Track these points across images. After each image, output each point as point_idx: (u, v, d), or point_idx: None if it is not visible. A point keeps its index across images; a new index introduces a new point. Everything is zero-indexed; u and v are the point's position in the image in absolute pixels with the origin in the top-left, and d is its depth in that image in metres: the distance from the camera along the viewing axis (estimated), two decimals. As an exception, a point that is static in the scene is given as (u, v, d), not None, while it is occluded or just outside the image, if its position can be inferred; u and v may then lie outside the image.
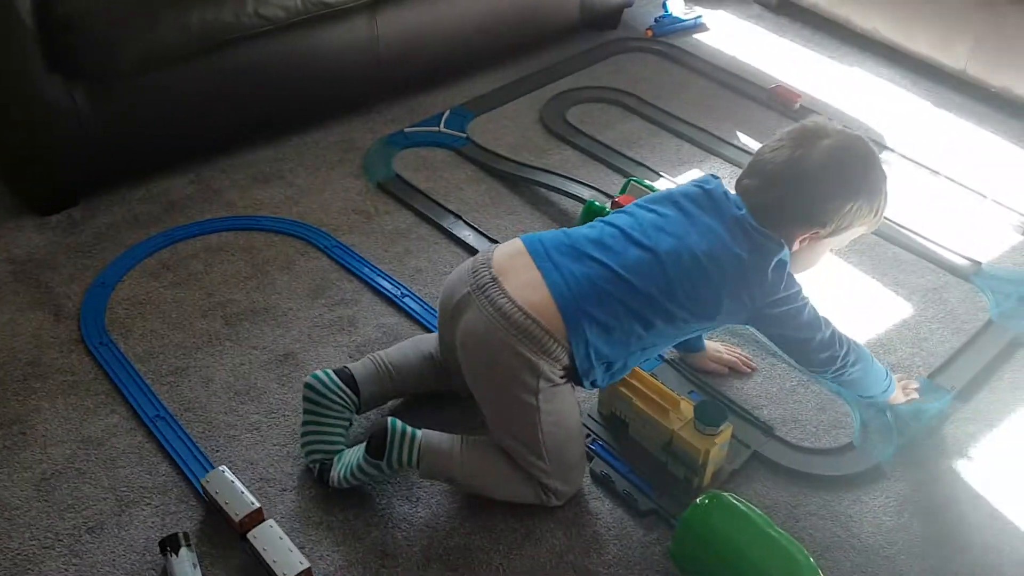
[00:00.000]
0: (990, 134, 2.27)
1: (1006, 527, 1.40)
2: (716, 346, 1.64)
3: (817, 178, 1.29)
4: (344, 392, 1.43)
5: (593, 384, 1.34)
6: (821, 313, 1.37)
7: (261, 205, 1.99)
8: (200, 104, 1.99)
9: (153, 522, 1.37)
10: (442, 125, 2.26)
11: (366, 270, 1.82)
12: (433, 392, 1.53)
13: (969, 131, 2.28)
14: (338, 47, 2.11)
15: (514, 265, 1.31)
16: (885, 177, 1.35)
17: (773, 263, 1.29)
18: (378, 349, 1.64)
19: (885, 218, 1.95)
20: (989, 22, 2.24)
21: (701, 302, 1.29)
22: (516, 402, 1.30)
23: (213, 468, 1.41)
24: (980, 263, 1.87)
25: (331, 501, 1.40)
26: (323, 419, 1.42)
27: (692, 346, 1.62)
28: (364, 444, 1.36)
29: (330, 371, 1.44)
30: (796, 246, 1.34)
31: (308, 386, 1.42)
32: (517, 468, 1.36)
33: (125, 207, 1.97)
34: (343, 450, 1.42)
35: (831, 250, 1.41)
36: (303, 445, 1.43)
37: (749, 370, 1.63)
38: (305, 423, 1.43)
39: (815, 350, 1.36)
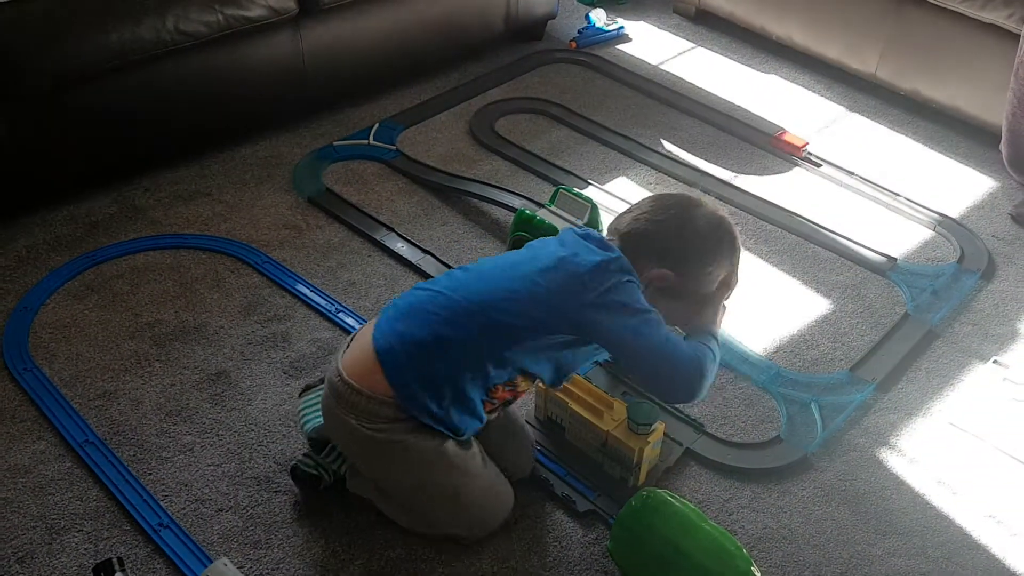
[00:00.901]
0: (901, 135, 2.37)
1: (927, 511, 1.46)
2: None
3: (693, 232, 1.30)
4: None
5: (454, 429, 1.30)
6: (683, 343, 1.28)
7: (188, 223, 1.96)
8: (121, 122, 1.95)
9: (86, 548, 1.34)
10: (371, 138, 2.26)
11: (299, 285, 1.81)
12: None
13: (882, 133, 2.38)
14: (263, 62, 2.10)
15: (355, 354, 1.32)
16: (737, 263, 1.36)
17: (600, 259, 1.24)
18: (313, 364, 1.64)
19: (805, 219, 2.04)
20: (897, 28, 2.35)
21: (524, 321, 1.25)
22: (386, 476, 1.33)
23: (148, 492, 1.39)
24: (896, 259, 1.95)
25: (270, 519, 1.39)
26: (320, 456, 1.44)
27: None
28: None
29: None
30: (643, 283, 1.29)
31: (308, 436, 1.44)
32: (433, 526, 1.38)
33: (46, 229, 1.92)
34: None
35: (669, 324, 1.30)
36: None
37: None
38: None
39: (669, 379, 1.25)
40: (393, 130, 2.30)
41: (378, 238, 1.95)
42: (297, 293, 1.79)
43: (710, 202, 1.36)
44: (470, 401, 1.28)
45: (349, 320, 1.74)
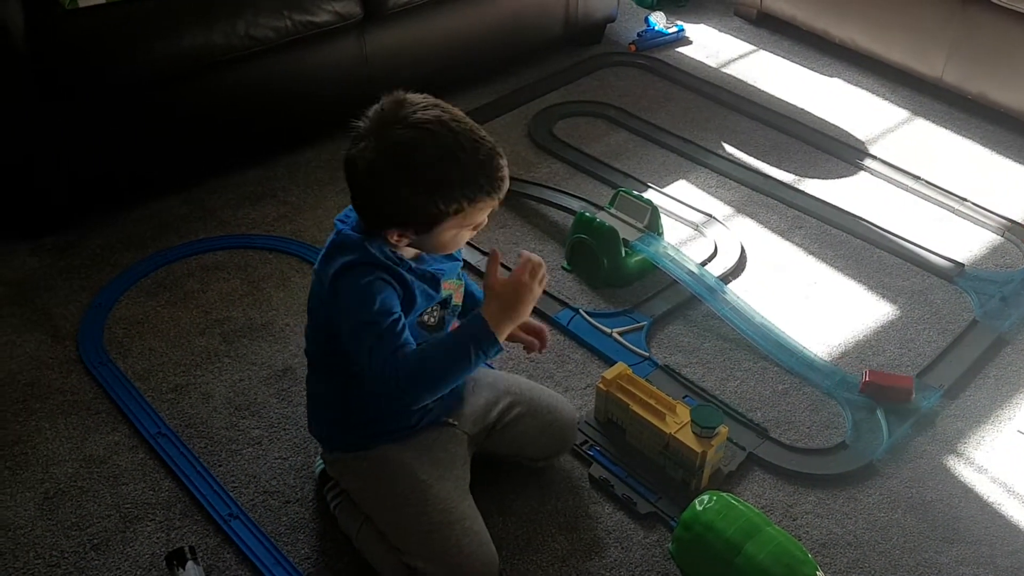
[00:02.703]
0: (968, 140, 2.32)
1: (996, 519, 1.43)
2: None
3: (372, 174, 1.16)
4: None
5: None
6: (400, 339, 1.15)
7: (255, 224, 2.01)
8: (192, 125, 2.01)
9: (158, 537, 1.38)
10: (432, 141, 2.28)
11: (362, 285, 1.84)
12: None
13: (948, 137, 2.34)
14: (328, 66, 2.14)
15: None
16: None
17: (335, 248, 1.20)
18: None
19: (870, 223, 2.00)
20: (963, 30, 2.30)
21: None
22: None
23: (218, 484, 1.43)
24: (963, 265, 1.91)
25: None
26: None
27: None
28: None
29: None
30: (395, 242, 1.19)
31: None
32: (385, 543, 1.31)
33: (119, 228, 1.99)
34: None
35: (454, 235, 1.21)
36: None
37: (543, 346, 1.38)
38: None
39: (368, 358, 1.14)
40: (453, 133, 2.32)
41: (439, 240, 1.97)
42: (361, 293, 1.82)
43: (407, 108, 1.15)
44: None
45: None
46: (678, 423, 1.45)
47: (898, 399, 1.59)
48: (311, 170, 2.19)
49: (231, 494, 1.44)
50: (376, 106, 1.19)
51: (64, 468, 1.48)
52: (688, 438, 1.43)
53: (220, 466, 1.49)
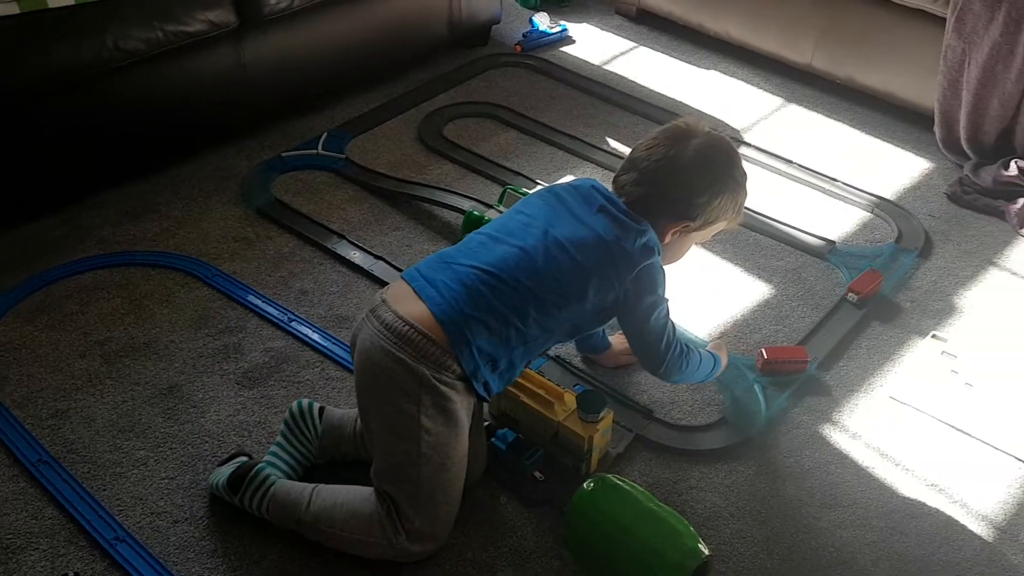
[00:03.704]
0: (838, 123, 2.43)
1: (870, 482, 1.51)
2: (620, 338, 1.68)
3: (689, 173, 1.37)
4: (316, 429, 1.48)
5: (486, 388, 1.35)
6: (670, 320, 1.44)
7: (136, 240, 1.96)
8: (67, 142, 1.95)
9: (43, 566, 1.34)
10: (320, 147, 2.28)
11: (250, 297, 1.82)
12: None
13: (819, 121, 2.44)
14: (205, 76, 2.11)
15: (399, 292, 1.35)
16: (746, 175, 1.44)
17: (638, 244, 1.35)
18: (266, 373, 1.66)
19: (746, 208, 2.08)
20: (830, 18, 2.41)
21: (570, 286, 1.34)
22: (397, 414, 1.29)
23: (103, 508, 1.39)
24: (834, 242, 2.00)
25: (225, 528, 1.40)
26: (287, 444, 1.47)
27: (598, 346, 1.68)
28: (232, 468, 1.40)
29: (315, 404, 1.49)
30: (668, 238, 1.42)
31: (288, 409, 1.49)
32: (369, 517, 1.31)
33: (-7, 253, 1.92)
34: (273, 471, 1.41)
35: (696, 243, 1.50)
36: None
37: None
38: (274, 443, 1.48)
39: (662, 348, 1.43)
40: (342, 139, 2.32)
41: (329, 246, 1.96)
42: (248, 304, 1.80)
43: (698, 128, 1.41)
44: (498, 362, 1.34)
45: (303, 329, 1.75)
46: (566, 411, 1.48)
47: (797, 371, 1.66)
48: (194, 182, 2.15)
49: (117, 517, 1.41)
50: None
51: (-63, 504, 1.42)
52: (575, 424, 1.46)
53: (105, 490, 1.45)
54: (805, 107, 2.49)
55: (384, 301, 1.33)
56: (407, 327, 1.28)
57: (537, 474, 1.48)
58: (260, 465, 1.39)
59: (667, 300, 1.42)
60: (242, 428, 1.56)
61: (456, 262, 1.35)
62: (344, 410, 1.51)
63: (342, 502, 1.34)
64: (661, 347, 1.43)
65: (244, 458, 1.44)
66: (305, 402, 1.49)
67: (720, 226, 1.46)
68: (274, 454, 1.45)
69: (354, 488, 1.36)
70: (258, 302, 1.81)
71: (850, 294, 1.82)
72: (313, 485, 1.37)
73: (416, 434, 1.28)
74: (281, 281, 1.87)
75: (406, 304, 1.31)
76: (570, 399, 1.50)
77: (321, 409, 1.49)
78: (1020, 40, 2.06)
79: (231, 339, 1.73)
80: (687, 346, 1.47)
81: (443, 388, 1.29)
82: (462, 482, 1.36)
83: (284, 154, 2.25)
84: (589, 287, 1.34)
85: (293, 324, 1.77)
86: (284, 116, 2.37)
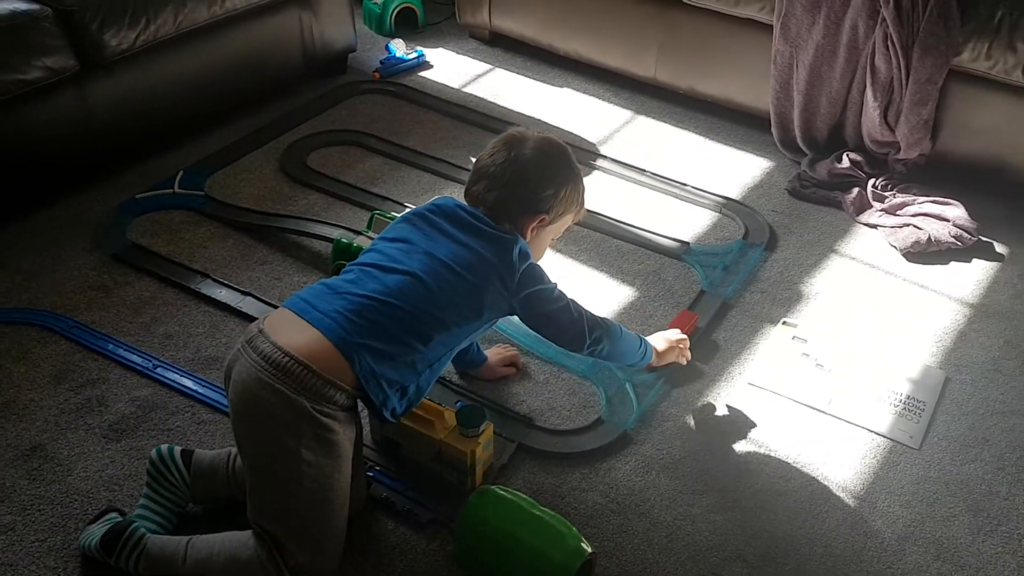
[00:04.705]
0: (684, 130, 2.57)
1: (738, 465, 1.60)
2: (495, 350, 1.75)
3: (532, 169, 1.45)
4: (181, 473, 1.43)
5: (393, 414, 1.36)
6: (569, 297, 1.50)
7: (-15, 297, 1.87)
8: None
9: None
10: (176, 186, 2.22)
11: (111, 346, 1.76)
12: None
13: (667, 130, 2.57)
14: (48, 123, 2.04)
15: (279, 322, 1.32)
16: (580, 172, 1.52)
17: (516, 252, 1.40)
18: (133, 424, 1.61)
19: (606, 216, 2.17)
20: (667, 32, 2.54)
21: (466, 304, 1.37)
22: (276, 448, 1.26)
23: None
24: (688, 243, 2.11)
25: (102, 585, 1.35)
26: (153, 495, 1.42)
27: (475, 360, 1.71)
28: (104, 529, 1.35)
29: (175, 447, 1.44)
30: (528, 236, 1.46)
31: (149, 458, 1.44)
32: (249, 561, 1.28)
33: None
34: (144, 525, 1.37)
35: (552, 240, 1.56)
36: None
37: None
38: (142, 496, 1.43)
39: (569, 328, 1.48)
40: (200, 176, 2.27)
41: (193, 286, 1.92)
42: (110, 354, 1.74)
43: (530, 132, 1.50)
44: (406, 388, 1.36)
45: (169, 375, 1.71)
46: (446, 428, 1.50)
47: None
48: (46, 232, 2.06)
49: (-17, 589, 1.34)
50: None
51: None
52: (456, 440, 1.48)
53: (-33, 562, 1.38)
54: (653, 118, 2.62)
55: (262, 331, 1.30)
56: (286, 358, 1.26)
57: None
58: (133, 524, 1.35)
59: (555, 283, 1.48)
60: (112, 483, 1.51)
61: (348, 292, 1.33)
62: (214, 451, 1.47)
63: (219, 551, 1.31)
64: (575, 324, 1.47)
65: (115, 514, 1.40)
66: (164, 448, 1.44)
67: (568, 219, 1.53)
68: (143, 507, 1.41)
69: (229, 535, 1.33)
70: (120, 351, 1.75)
71: None
72: (188, 538, 1.34)
73: (297, 468, 1.27)
74: (143, 327, 1.82)
75: (287, 334, 1.29)
76: (450, 416, 1.52)
77: (185, 453, 1.44)
78: (840, 41, 2.24)
79: (93, 392, 1.67)
80: (601, 322, 1.52)
81: (324, 420, 1.27)
82: (346, 511, 1.35)
83: (139, 196, 2.19)
84: (483, 302, 1.38)
85: (159, 370, 1.72)
86: (138, 157, 2.31)
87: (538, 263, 1.48)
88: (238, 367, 1.30)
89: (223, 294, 1.91)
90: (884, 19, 2.14)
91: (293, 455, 1.26)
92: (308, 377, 1.26)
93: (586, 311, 1.51)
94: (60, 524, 1.44)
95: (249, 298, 1.90)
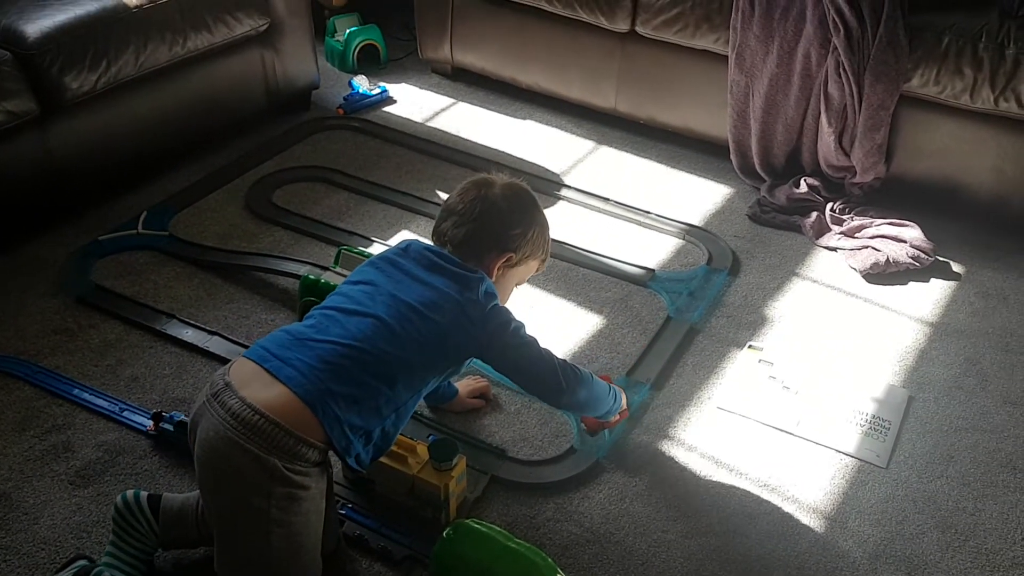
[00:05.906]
0: (646, 159, 2.61)
1: (709, 490, 1.61)
2: (465, 382, 1.75)
3: (501, 208, 1.47)
4: (148, 521, 1.40)
5: (359, 461, 1.33)
6: (541, 344, 1.47)
7: (-56, 345, 1.84)
8: None
9: None
10: (140, 227, 2.21)
11: (76, 391, 1.74)
12: None
13: (629, 159, 2.61)
14: (9, 167, 2.02)
15: (245, 375, 1.27)
16: (547, 220, 1.55)
17: (482, 291, 1.41)
18: (100, 469, 1.58)
19: (572, 246, 2.20)
20: (626, 64, 2.59)
21: (431, 346, 1.36)
22: (245, 509, 1.23)
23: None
24: (653, 270, 2.14)
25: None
26: (120, 543, 1.39)
27: (446, 394, 1.71)
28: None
29: (141, 493, 1.41)
30: (495, 275, 1.48)
31: (114, 505, 1.41)
32: None
33: None
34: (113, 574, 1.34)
35: (517, 284, 1.57)
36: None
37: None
38: (109, 543, 1.40)
39: (549, 376, 1.45)
40: (164, 215, 2.26)
41: (159, 327, 1.90)
42: (75, 399, 1.72)
43: (498, 176, 1.53)
44: (371, 433, 1.33)
45: (136, 418, 1.68)
46: (419, 463, 1.50)
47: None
48: (7, 277, 2.03)
49: (-55, 646, 1.30)
50: None
51: None
52: (429, 475, 1.48)
53: (-71, 619, 1.34)
54: (615, 148, 2.66)
55: (228, 385, 1.25)
56: (256, 416, 1.21)
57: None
58: (99, 570, 1.32)
59: (522, 325, 1.46)
60: (79, 530, 1.48)
61: (311, 339, 1.31)
62: (184, 495, 1.44)
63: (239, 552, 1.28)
64: (554, 373, 1.45)
65: (84, 561, 1.37)
66: (130, 494, 1.41)
67: (533, 265, 1.54)
68: (110, 554, 1.38)
69: None
70: (85, 395, 1.73)
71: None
72: None
73: (266, 528, 1.24)
74: (109, 370, 1.80)
75: (255, 388, 1.24)
76: (422, 450, 1.52)
77: (152, 498, 1.41)
78: (794, 70, 2.30)
79: (59, 438, 1.64)
80: (573, 370, 1.49)
81: (296, 478, 1.24)
82: (319, 559, 1.33)
83: (102, 238, 2.17)
84: (448, 343, 1.37)
85: (125, 414, 1.70)
86: (101, 199, 2.29)
87: (504, 305, 1.48)
88: (204, 423, 1.25)
89: (190, 334, 1.89)
90: (836, 48, 2.20)
91: (263, 515, 1.23)
92: (279, 435, 1.22)
93: (557, 358, 1.48)
94: (27, 574, 1.41)
95: (216, 337, 1.89)
